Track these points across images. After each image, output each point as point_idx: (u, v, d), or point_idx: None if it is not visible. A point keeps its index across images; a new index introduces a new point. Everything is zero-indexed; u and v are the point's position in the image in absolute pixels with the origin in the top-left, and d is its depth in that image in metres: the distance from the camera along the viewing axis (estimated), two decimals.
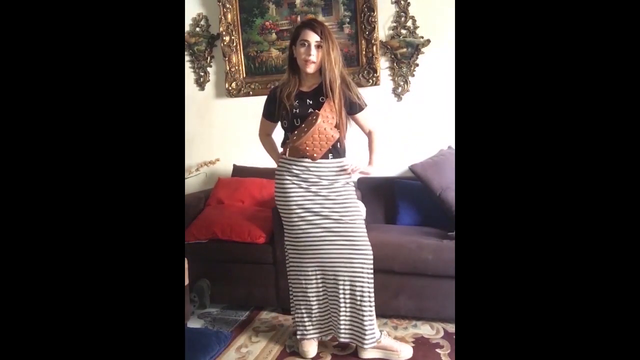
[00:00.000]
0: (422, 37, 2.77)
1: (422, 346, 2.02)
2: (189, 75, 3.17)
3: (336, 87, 1.84)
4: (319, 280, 1.94)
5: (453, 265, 1.98)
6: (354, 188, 2.00)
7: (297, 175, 1.91)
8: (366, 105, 1.98)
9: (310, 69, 1.85)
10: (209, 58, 3.14)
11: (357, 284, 1.87)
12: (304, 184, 1.91)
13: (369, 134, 2.05)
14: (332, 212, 1.90)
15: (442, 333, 2.13)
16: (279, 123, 1.99)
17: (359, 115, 1.98)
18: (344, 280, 1.88)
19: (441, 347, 2.01)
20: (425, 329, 2.17)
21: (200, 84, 3.17)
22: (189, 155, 3.05)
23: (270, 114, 2.01)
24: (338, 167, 1.93)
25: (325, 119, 1.85)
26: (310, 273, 1.94)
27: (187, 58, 3.15)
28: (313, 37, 1.82)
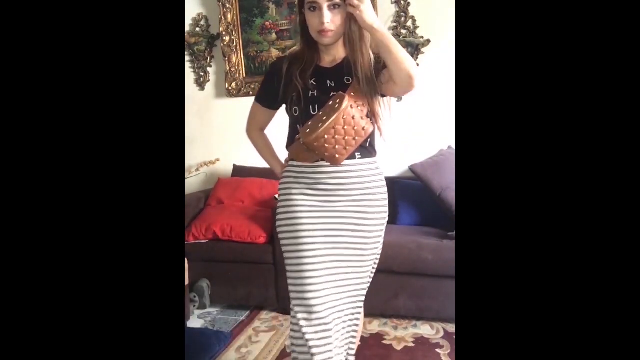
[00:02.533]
0: (422, 37, 2.76)
1: (422, 346, 2.02)
2: (189, 75, 3.17)
3: (367, 66, 1.31)
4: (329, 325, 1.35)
5: (453, 265, 1.98)
6: (386, 199, 1.41)
7: (311, 192, 1.35)
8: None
9: (329, 39, 1.31)
10: (209, 58, 3.14)
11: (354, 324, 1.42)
12: (322, 204, 1.35)
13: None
14: (357, 241, 1.35)
15: (442, 333, 2.13)
16: (284, 112, 1.44)
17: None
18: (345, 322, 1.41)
19: (441, 347, 2.01)
20: (425, 329, 2.17)
21: (200, 84, 3.17)
22: (189, 155, 3.05)
23: (270, 98, 1.44)
24: (369, 171, 1.37)
25: (354, 105, 1.29)
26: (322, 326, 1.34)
27: (187, 58, 3.15)
28: None
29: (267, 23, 2.97)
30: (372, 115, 1.34)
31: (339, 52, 1.40)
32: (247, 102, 3.02)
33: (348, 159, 1.33)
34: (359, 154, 1.35)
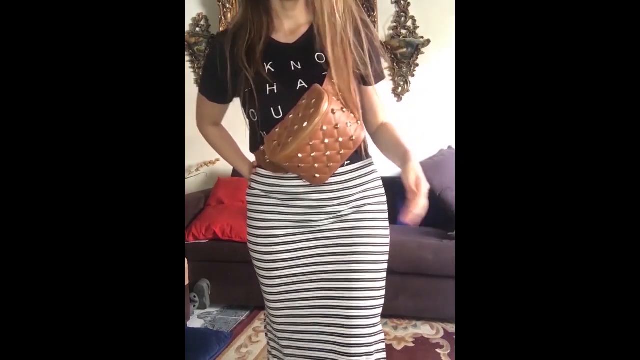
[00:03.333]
0: (422, 37, 2.76)
1: (422, 346, 2.02)
2: (189, 75, 3.17)
3: (340, 39, 0.93)
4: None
5: (453, 265, 1.98)
6: (385, 210, 1.07)
7: (288, 209, 1.01)
8: (384, 76, 1.07)
9: None
10: None
11: None
12: (302, 223, 1.01)
13: (379, 128, 1.05)
14: (348, 276, 0.98)
15: (442, 333, 2.13)
16: (235, 107, 1.07)
17: (372, 90, 1.02)
18: None
19: (441, 347, 2.01)
20: (425, 329, 2.17)
21: None
22: (189, 155, 3.05)
23: (216, 91, 1.06)
24: (362, 177, 1.02)
25: (337, 107, 0.91)
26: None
27: (187, 58, 3.15)
28: None
29: None
30: (351, 107, 0.95)
31: (301, 15, 0.98)
32: None
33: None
34: (347, 160, 0.98)
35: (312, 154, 0.91)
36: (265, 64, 0.97)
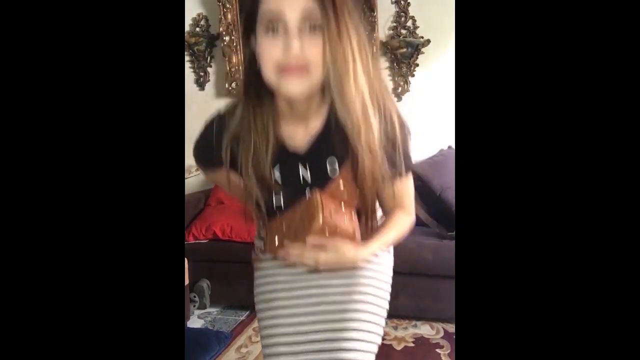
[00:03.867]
0: (422, 37, 2.76)
1: (422, 346, 2.02)
2: (189, 75, 3.17)
3: (367, 129, 0.79)
4: None
5: (453, 265, 1.98)
6: (390, 265, 1.04)
7: (288, 282, 0.97)
8: (411, 167, 0.91)
9: (299, 85, 0.76)
10: (209, 58, 3.14)
11: None
12: (301, 277, 0.96)
13: (390, 211, 0.96)
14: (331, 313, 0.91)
15: (442, 333, 2.13)
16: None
17: (401, 183, 0.91)
18: None
19: (441, 347, 2.01)
20: (425, 329, 2.17)
21: (200, 84, 3.17)
22: (189, 155, 3.05)
23: (213, 167, 0.99)
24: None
25: (333, 210, 0.84)
26: None
27: (187, 58, 3.15)
28: (297, 8, 0.73)
29: None
30: (367, 209, 0.87)
31: (313, 115, 0.84)
32: None
33: None
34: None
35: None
36: (272, 174, 0.85)
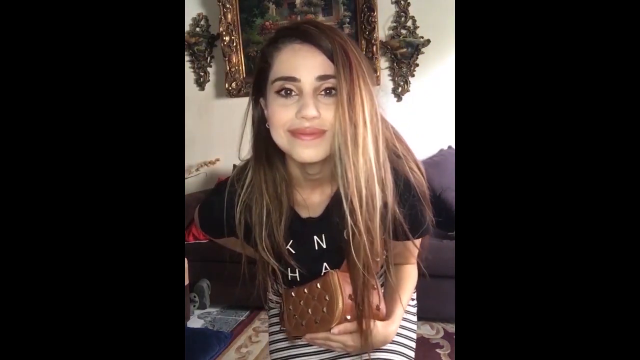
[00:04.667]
0: (422, 37, 2.76)
1: (422, 346, 2.02)
2: (189, 75, 3.17)
3: (368, 204, 0.72)
4: None
5: (453, 265, 1.98)
6: (413, 318, 1.00)
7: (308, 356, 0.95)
8: (432, 224, 0.88)
9: (313, 152, 0.72)
10: (209, 58, 3.14)
11: None
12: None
13: (401, 267, 0.94)
14: None
15: (442, 333, 2.13)
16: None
17: (410, 244, 0.86)
18: None
19: (441, 347, 2.01)
20: (425, 329, 2.17)
21: (200, 84, 3.17)
22: (189, 155, 3.05)
23: (216, 231, 0.96)
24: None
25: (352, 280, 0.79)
26: None
27: (187, 58, 3.15)
28: (312, 70, 0.71)
29: (267, 23, 2.97)
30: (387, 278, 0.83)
31: (329, 173, 0.79)
32: (246, 102, 3.03)
33: None
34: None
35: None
36: (286, 243, 0.81)
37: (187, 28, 3.12)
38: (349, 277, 0.78)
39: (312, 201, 0.82)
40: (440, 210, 2.28)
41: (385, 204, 0.74)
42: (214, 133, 3.10)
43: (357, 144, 0.69)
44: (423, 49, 2.77)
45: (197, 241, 2.53)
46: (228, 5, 2.95)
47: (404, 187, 0.78)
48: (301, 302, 0.84)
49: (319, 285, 0.81)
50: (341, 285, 0.78)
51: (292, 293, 0.86)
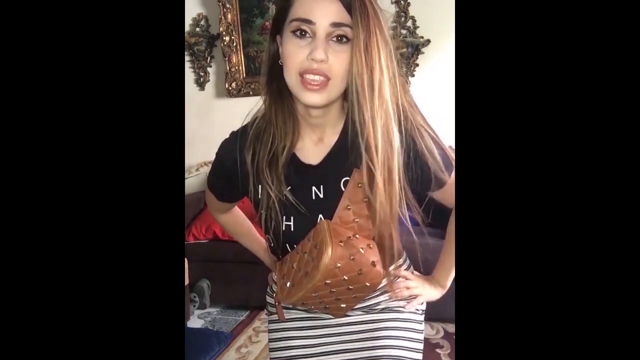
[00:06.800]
0: (422, 37, 2.76)
1: None
2: (189, 75, 3.17)
3: (387, 141, 0.75)
4: None
5: None
6: (420, 319, 0.99)
7: (307, 329, 0.94)
8: (451, 169, 0.87)
9: (318, 95, 0.75)
10: (209, 58, 3.14)
11: None
12: (317, 315, 0.94)
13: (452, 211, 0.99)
14: None
15: (442, 333, 2.13)
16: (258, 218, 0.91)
17: (434, 193, 0.90)
18: None
19: (441, 347, 2.01)
20: (426, 329, 2.17)
21: (200, 84, 3.17)
22: (189, 155, 3.05)
23: (226, 192, 0.98)
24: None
25: (349, 240, 0.78)
26: None
27: (187, 58, 3.15)
28: (328, 16, 0.73)
29: (267, 23, 2.97)
30: (390, 235, 0.81)
31: (332, 122, 0.83)
32: (247, 102, 3.03)
33: None
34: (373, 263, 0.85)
35: (326, 296, 0.81)
36: (285, 187, 0.82)
37: (187, 28, 3.12)
38: (341, 227, 0.79)
39: (313, 142, 0.85)
40: (440, 210, 2.28)
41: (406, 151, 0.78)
42: (214, 133, 3.10)
43: (374, 88, 0.72)
44: (423, 49, 2.77)
45: (197, 241, 2.53)
46: (228, 5, 2.96)
47: (421, 140, 0.82)
48: (294, 265, 0.83)
49: (309, 239, 0.81)
50: (331, 231, 0.78)
51: (287, 258, 0.86)
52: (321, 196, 0.82)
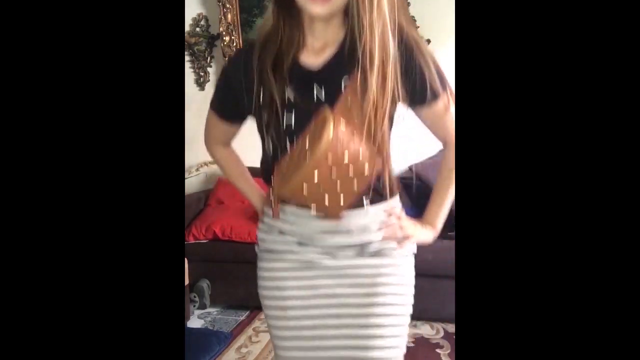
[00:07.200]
0: (422, 37, 2.76)
1: (422, 346, 2.02)
2: (189, 75, 3.17)
3: (382, 47, 0.81)
4: None
5: (453, 265, 1.98)
6: (410, 263, 1.00)
7: (300, 243, 0.94)
8: (448, 87, 0.92)
9: (321, 8, 0.81)
10: (209, 58, 3.14)
11: None
12: (313, 258, 0.94)
13: (446, 146, 1.00)
14: (355, 312, 0.92)
15: (442, 333, 2.13)
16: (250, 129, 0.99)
17: (431, 107, 0.92)
18: None
19: (441, 347, 2.01)
20: (425, 329, 2.17)
21: (200, 84, 3.16)
22: (189, 155, 3.04)
23: (231, 107, 1.00)
24: (381, 221, 0.94)
25: (347, 129, 0.82)
26: None
27: (187, 58, 3.15)
28: None
29: None
30: (380, 141, 0.85)
31: (332, 35, 0.88)
32: None
33: (354, 207, 0.88)
34: (367, 198, 0.89)
35: (321, 186, 0.81)
36: (288, 88, 0.88)
37: (187, 28, 3.12)
38: (342, 119, 0.83)
39: (315, 50, 0.90)
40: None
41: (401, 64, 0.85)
42: None
43: (372, 1, 0.80)
44: None
45: (197, 241, 2.53)
46: (228, 5, 2.95)
47: (416, 50, 0.88)
48: (292, 158, 0.86)
49: (312, 126, 0.84)
50: (335, 115, 0.82)
51: (285, 157, 0.89)
52: (322, 97, 0.88)
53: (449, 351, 1.97)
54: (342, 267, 0.93)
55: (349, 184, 0.83)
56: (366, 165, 0.83)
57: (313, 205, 0.86)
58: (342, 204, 0.85)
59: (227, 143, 1.12)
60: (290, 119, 0.88)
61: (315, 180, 0.81)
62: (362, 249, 0.93)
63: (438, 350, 1.98)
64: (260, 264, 1.00)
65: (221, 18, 2.98)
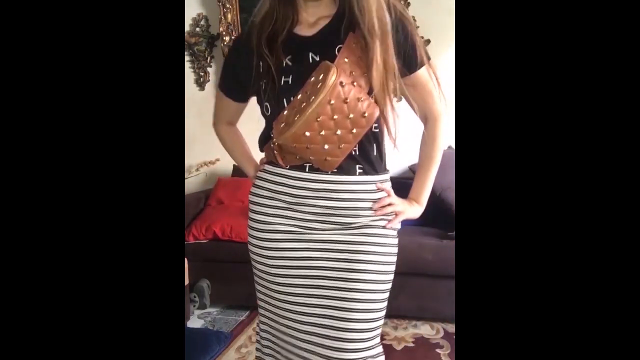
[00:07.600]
0: (422, 37, 2.76)
1: (422, 346, 2.02)
2: (189, 75, 3.17)
3: (376, 14, 0.89)
4: None
5: (453, 265, 1.98)
6: (395, 239, 1.05)
7: (292, 213, 0.98)
8: (429, 58, 1.04)
9: None
10: (209, 58, 3.14)
11: None
12: (302, 223, 0.98)
13: (427, 123, 1.10)
14: (341, 277, 0.96)
15: (442, 333, 2.13)
16: (256, 105, 1.04)
17: (418, 75, 1.02)
18: None
19: (441, 347, 2.01)
20: (425, 329, 2.17)
21: (200, 84, 3.17)
22: (189, 155, 3.05)
23: (235, 86, 1.08)
24: (372, 193, 0.98)
25: (347, 80, 0.87)
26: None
27: (187, 58, 3.15)
28: None
29: None
30: (380, 96, 0.90)
31: (325, 9, 0.96)
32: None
33: (345, 173, 0.93)
34: (360, 167, 0.95)
35: (321, 132, 0.87)
36: (284, 56, 0.95)
37: (187, 28, 3.12)
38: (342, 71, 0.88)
39: (309, 23, 0.97)
40: (440, 210, 2.28)
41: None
42: (214, 133, 3.10)
43: None
44: None
45: (197, 241, 2.53)
46: (228, 5, 2.95)
47: (402, 21, 0.96)
48: (293, 108, 0.91)
49: (312, 77, 0.90)
50: (337, 64, 0.88)
51: (285, 111, 0.93)
52: (317, 60, 0.93)
53: (449, 351, 1.97)
54: (331, 241, 0.98)
55: (347, 134, 0.89)
56: (364, 118, 0.89)
57: (311, 159, 0.91)
58: (340, 155, 0.91)
59: (232, 122, 1.21)
60: (287, 80, 0.94)
61: (319, 127, 0.86)
62: (349, 223, 0.97)
63: (438, 350, 1.98)
64: (251, 224, 1.05)
65: (221, 18, 2.98)
